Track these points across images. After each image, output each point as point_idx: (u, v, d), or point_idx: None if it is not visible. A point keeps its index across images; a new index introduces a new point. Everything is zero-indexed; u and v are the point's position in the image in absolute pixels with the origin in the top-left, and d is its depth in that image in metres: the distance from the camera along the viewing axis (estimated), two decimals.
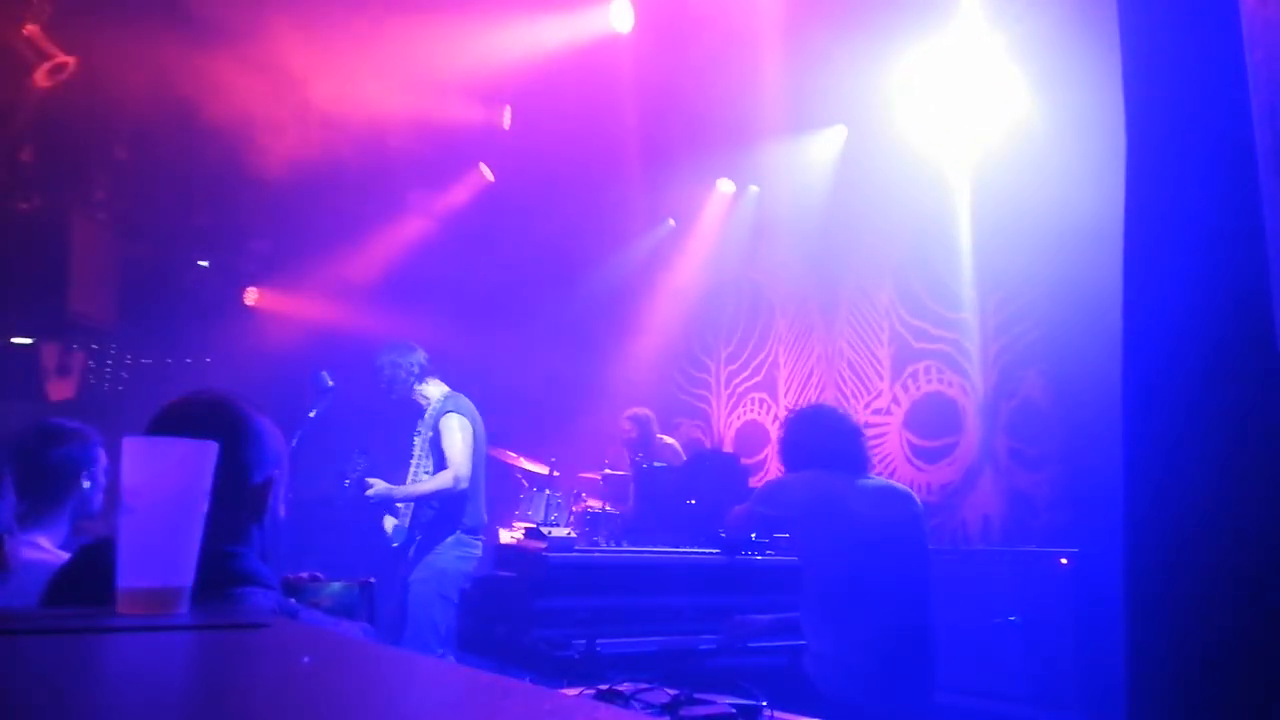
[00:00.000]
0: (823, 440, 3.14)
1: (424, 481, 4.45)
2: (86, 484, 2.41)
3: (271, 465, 1.50)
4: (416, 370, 4.57)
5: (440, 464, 4.42)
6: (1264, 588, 1.03)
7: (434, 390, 4.60)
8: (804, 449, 3.16)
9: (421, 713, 0.57)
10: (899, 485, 3.26)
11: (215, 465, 1.03)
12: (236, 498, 1.42)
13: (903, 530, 3.01)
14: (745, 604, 3.30)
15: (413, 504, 4.48)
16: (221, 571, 1.34)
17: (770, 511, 3.13)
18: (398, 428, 5.05)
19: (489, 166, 7.53)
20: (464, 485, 4.34)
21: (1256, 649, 1.00)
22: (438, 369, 4.74)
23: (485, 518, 4.56)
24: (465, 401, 4.58)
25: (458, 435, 4.39)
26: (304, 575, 1.76)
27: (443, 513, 4.40)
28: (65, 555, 2.30)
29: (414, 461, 4.58)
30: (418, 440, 4.60)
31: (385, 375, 4.56)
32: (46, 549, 2.27)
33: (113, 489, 1.06)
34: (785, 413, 3.52)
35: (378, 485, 4.36)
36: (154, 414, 1.45)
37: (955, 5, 5.53)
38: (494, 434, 5.27)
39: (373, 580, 1.76)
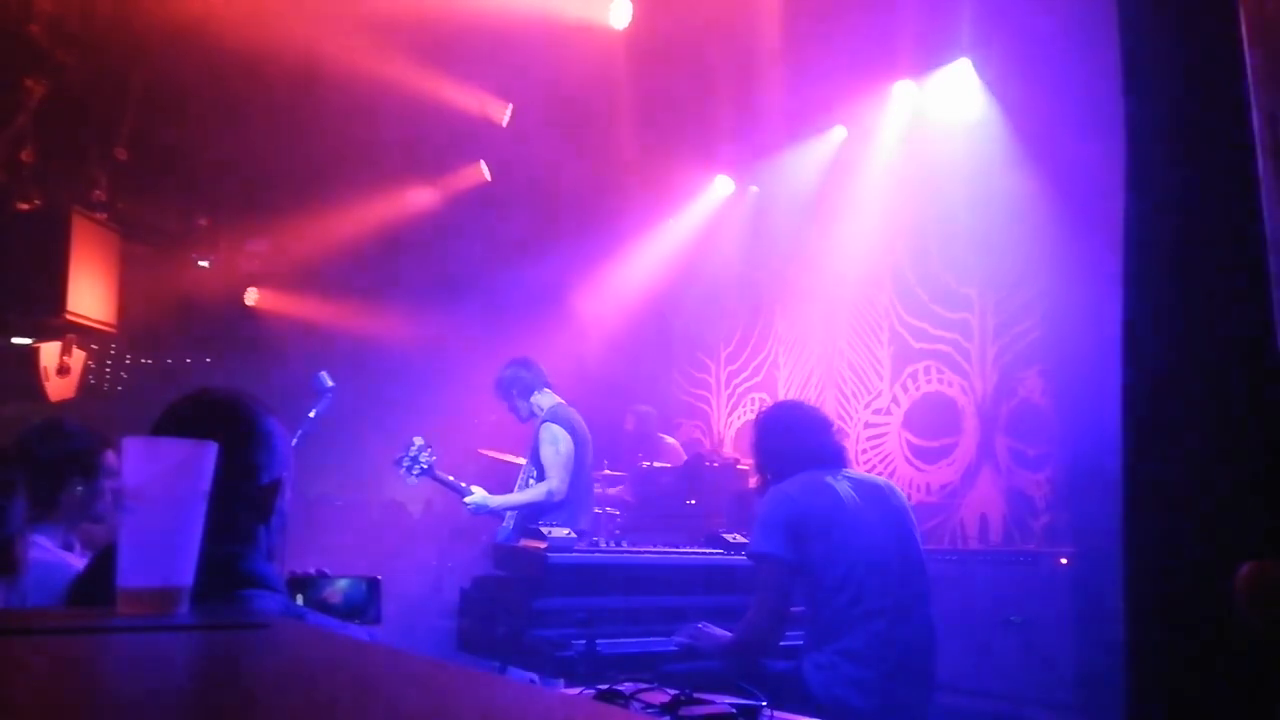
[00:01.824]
0: (800, 439, 3.01)
1: (523, 491, 4.49)
2: (80, 486, 2.34)
3: (280, 466, 1.48)
4: (529, 383, 4.64)
5: (542, 473, 4.46)
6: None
7: (546, 400, 4.65)
8: (782, 451, 3.01)
9: (421, 713, 0.57)
10: (880, 479, 3.16)
11: (218, 465, 1.03)
12: (244, 499, 1.41)
13: (896, 524, 2.92)
14: (746, 605, 3.27)
15: (515, 511, 4.50)
16: (227, 573, 1.33)
17: (789, 555, 2.79)
18: (395, 428, 5.04)
19: (487, 164, 7.52)
20: (558, 498, 4.35)
21: (1257, 650, 1.00)
22: (437, 367, 4.75)
23: (585, 525, 4.54)
24: (568, 412, 4.59)
25: (553, 447, 4.41)
26: (311, 571, 1.75)
27: (534, 519, 4.35)
28: (65, 554, 2.29)
29: (523, 469, 4.63)
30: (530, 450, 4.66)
31: (503, 388, 4.63)
32: (48, 548, 2.25)
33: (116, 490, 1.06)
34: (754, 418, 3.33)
35: (476, 494, 4.43)
36: (161, 413, 1.42)
37: (953, 13, 5.52)
38: (493, 434, 5.27)
39: (379, 577, 1.76)
